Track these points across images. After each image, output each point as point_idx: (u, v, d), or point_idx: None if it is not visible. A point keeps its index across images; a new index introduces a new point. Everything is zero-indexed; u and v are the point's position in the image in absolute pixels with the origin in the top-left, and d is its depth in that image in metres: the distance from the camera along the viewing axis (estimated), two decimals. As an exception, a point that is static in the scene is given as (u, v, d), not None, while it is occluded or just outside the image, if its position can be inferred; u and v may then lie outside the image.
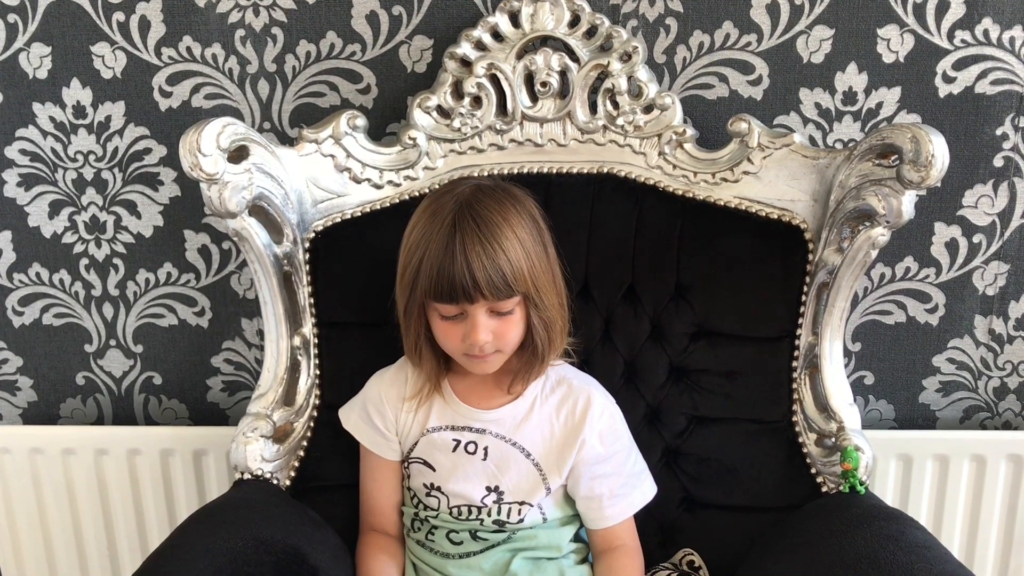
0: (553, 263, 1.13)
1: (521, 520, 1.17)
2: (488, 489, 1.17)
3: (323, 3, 1.37)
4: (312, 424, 1.32)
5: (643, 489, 1.20)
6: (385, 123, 1.42)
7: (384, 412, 1.21)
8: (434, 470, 1.18)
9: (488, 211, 1.07)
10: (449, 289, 1.05)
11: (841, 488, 1.23)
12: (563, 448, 1.17)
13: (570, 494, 1.19)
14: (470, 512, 1.17)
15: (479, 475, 1.17)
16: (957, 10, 1.33)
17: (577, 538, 1.22)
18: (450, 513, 1.18)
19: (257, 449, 1.27)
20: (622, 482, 1.18)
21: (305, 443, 1.31)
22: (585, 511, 1.19)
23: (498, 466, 1.17)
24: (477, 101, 1.31)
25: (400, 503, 1.24)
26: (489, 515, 1.17)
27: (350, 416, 1.24)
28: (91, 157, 1.47)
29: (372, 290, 1.30)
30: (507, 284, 1.06)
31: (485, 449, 1.17)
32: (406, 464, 1.21)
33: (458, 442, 1.18)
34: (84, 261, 1.53)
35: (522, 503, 1.17)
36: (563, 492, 1.19)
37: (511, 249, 1.06)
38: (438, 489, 1.18)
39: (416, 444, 1.20)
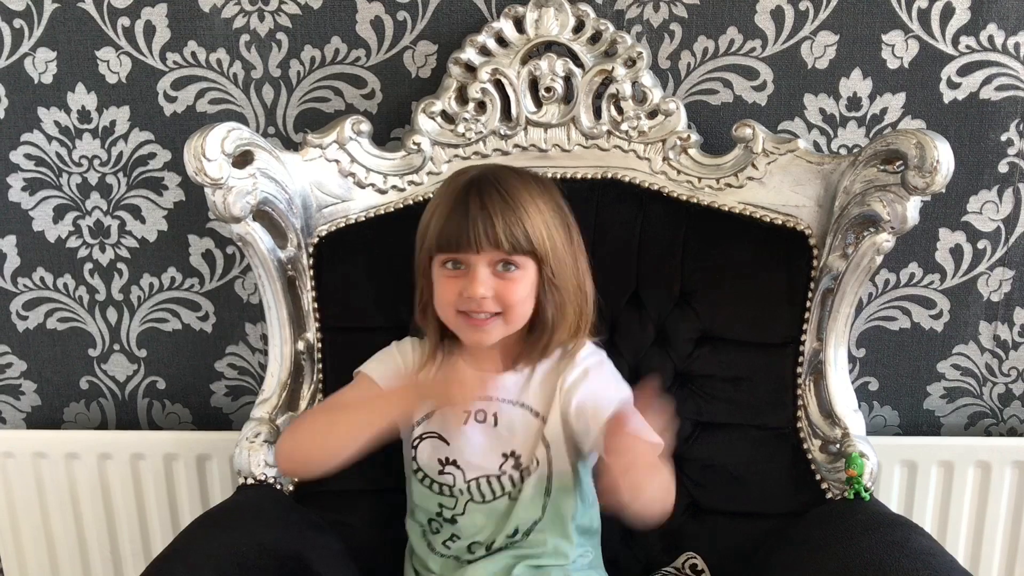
0: (577, 250, 1.12)
1: (531, 473, 1.14)
2: (504, 456, 1.15)
3: (328, 8, 1.37)
4: (316, 429, 1.32)
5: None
6: (389, 128, 1.42)
7: (408, 363, 1.19)
8: (448, 444, 1.16)
9: (509, 177, 1.08)
10: (455, 235, 1.04)
11: (846, 494, 1.22)
12: (553, 385, 1.14)
13: (571, 436, 1.15)
14: (490, 483, 1.15)
15: (493, 443, 1.15)
16: (962, 16, 1.33)
17: (582, 532, 1.20)
18: (468, 489, 1.16)
19: (261, 454, 1.27)
20: (611, 395, 1.13)
21: (309, 448, 1.31)
22: (583, 430, 1.13)
23: (509, 430, 1.15)
24: (481, 106, 1.31)
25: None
26: (513, 484, 1.15)
27: (373, 368, 1.19)
28: (96, 162, 1.48)
29: (376, 295, 1.30)
30: (514, 236, 1.04)
31: (495, 415, 1.15)
32: (416, 442, 1.18)
33: (468, 413, 1.16)
34: (88, 265, 1.53)
35: (539, 463, 1.15)
36: (564, 439, 1.15)
37: (527, 208, 1.05)
38: (453, 463, 1.16)
39: (429, 416, 1.17)
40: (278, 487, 1.29)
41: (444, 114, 1.31)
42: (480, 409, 1.16)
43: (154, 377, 1.59)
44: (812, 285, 1.26)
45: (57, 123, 1.46)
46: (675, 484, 1.05)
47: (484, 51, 1.31)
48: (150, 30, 1.40)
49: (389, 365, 1.19)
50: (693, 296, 1.28)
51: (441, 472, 1.17)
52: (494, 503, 1.16)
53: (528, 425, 1.16)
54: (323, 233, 1.31)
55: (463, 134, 1.31)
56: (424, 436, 1.18)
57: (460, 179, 1.10)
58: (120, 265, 1.53)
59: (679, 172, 1.30)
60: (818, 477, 1.26)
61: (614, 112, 1.30)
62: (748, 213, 1.28)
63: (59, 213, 1.51)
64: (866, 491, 1.21)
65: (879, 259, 1.19)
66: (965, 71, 1.36)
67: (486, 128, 1.31)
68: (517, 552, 1.16)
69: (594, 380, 1.15)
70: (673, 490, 1.05)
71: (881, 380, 1.51)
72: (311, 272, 1.31)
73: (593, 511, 1.22)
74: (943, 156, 1.09)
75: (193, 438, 1.55)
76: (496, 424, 1.16)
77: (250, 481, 1.28)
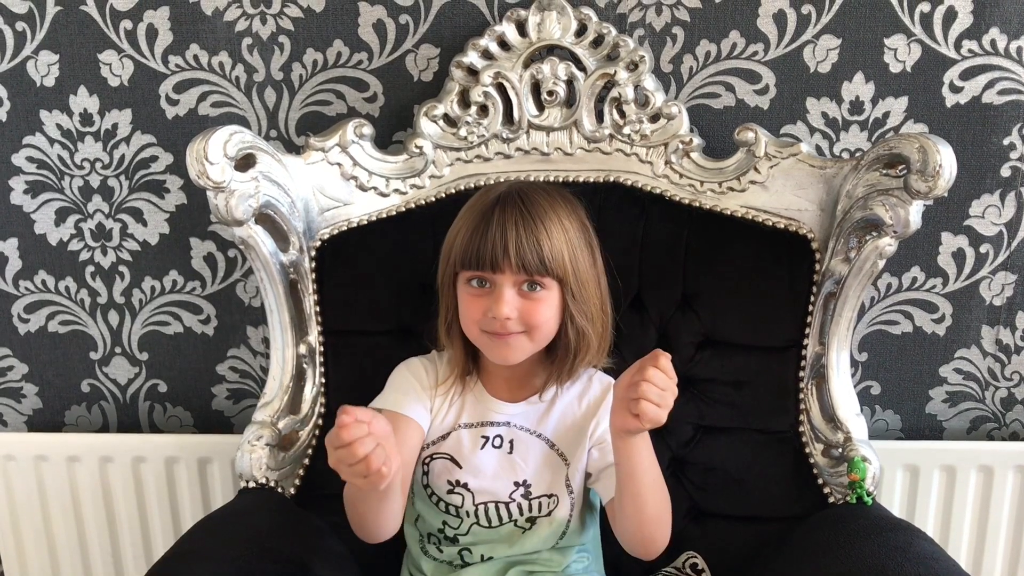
0: (600, 271, 1.12)
1: (550, 513, 1.15)
2: (516, 484, 1.15)
3: (330, 12, 1.37)
4: (317, 432, 1.32)
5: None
6: (391, 132, 1.42)
7: (424, 384, 1.18)
8: (460, 467, 1.16)
9: (536, 195, 1.07)
10: (478, 255, 1.04)
11: (848, 499, 1.22)
12: (580, 430, 1.15)
13: (589, 471, 1.16)
14: (497, 510, 1.15)
15: (506, 470, 1.15)
16: (964, 20, 1.33)
17: (581, 547, 1.21)
18: (475, 512, 1.16)
19: (262, 457, 1.27)
20: None
21: (310, 451, 1.31)
22: (600, 484, 1.14)
23: (524, 458, 1.15)
24: (483, 110, 1.31)
25: (411, 466, 1.15)
26: (521, 512, 1.15)
27: (388, 398, 1.18)
28: (98, 165, 1.48)
29: (378, 298, 1.30)
30: (540, 259, 1.03)
31: (511, 442, 1.15)
32: (427, 459, 1.18)
33: (486, 439, 1.16)
34: (90, 268, 1.53)
35: (550, 495, 1.15)
36: (584, 484, 1.17)
37: (553, 230, 1.05)
38: (464, 486, 1.16)
39: (445, 438, 1.17)
40: (279, 490, 1.29)
41: (446, 117, 1.31)
42: (497, 435, 1.16)
43: (155, 380, 1.59)
44: (814, 289, 1.25)
45: (59, 126, 1.46)
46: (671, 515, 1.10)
47: (486, 54, 1.31)
48: (152, 33, 1.40)
49: (410, 394, 1.17)
50: (695, 300, 1.28)
51: (450, 492, 1.16)
52: (499, 528, 1.16)
53: (544, 457, 1.16)
54: (325, 236, 1.31)
55: (465, 137, 1.31)
56: (436, 456, 1.18)
57: (488, 196, 1.09)
58: (122, 268, 1.53)
59: (681, 176, 1.30)
60: (820, 481, 1.26)
61: (616, 116, 1.30)
62: (750, 217, 1.27)
63: (61, 216, 1.51)
64: (868, 495, 1.21)
65: (881, 263, 1.19)
66: (967, 75, 1.36)
67: (488, 132, 1.31)
68: (510, 560, 1.17)
69: None
70: (670, 518, 1.09)
71: (883, 384, 1.51)
72: (313, 275, 1.31)
73: (594, 526, 1.23)
74: (945, 160, 1.09)
75: (194, 441, 1.55)
76: (511, 451, 1.16)
77: (251, 484, 1.27)
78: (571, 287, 1.07)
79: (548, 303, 1.07)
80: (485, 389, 1.18)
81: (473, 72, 1.31)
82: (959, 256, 1.44)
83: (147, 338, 1.56)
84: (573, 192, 1.16)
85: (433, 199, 1.32)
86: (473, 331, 1.10)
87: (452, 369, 1.17)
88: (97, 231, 1.51)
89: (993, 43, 1.34)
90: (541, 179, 1.31)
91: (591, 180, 1.32)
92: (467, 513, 1.16)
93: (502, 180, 1.19)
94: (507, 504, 1.15)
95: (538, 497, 1.15)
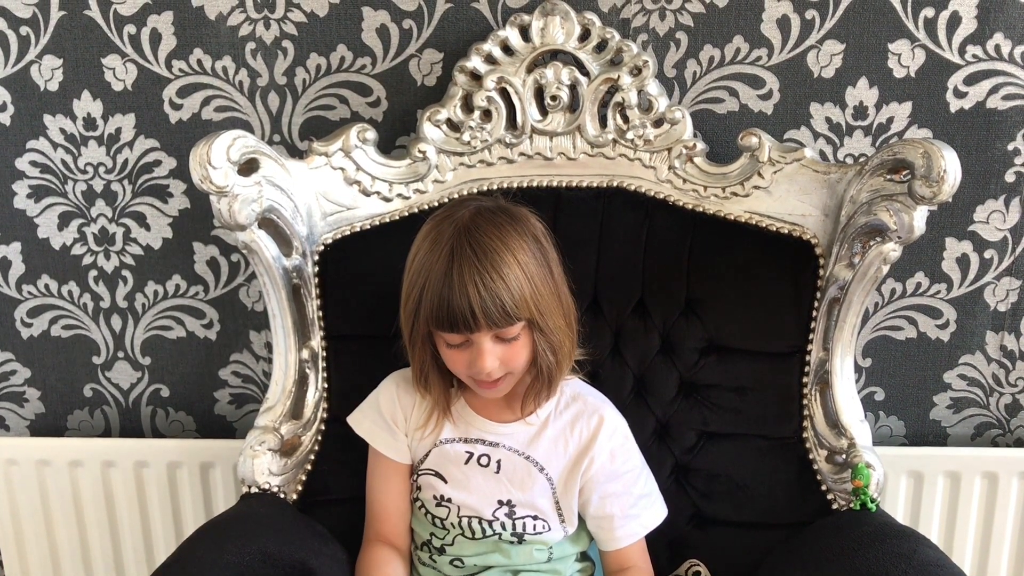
0: (559, 283, 1.11)
1: (540, 534, 1.16)
2: (500, 503, 1.16)
3: (334, 16, 1.37)
4: (320, 438, 1.32)
5: (654, 511, 1.19)
6: (395, 136, 1.42)
7: (396, 414, 1.19)
8: (446, 482, 1.17)
9: (487, 237, 1.05)
10: (450, 319, 1.03)
11: (852, 505, 1.22)
12: (574, 464, 1.15)
13: (580, 513, 1.18)
14: (480, 524, 1.16)
15: (491, 488, 1.16)
16: (968, 25, 1.33)
17: (583, 556, 1.21)
18: (459, 523, 1.16)
19: (264, 463, 1.27)
20: (632, 502, 1.17)
21: (313, 457, 1.31)
22: (596, 531, 1.18)
23: (511, 480, 1.16)
24: (487, 115, 1.31)
25: (407, 512, 1.22)
26: (504, 528, 1.16)
27: (362, 421, 1.22)
28: (101, 169, 1.48)
29: (381, 303, 1.29)
30: (506, 313, 1.03)
31: (498, 462, 1.16)
32: (415, 476, 1.20)
33: (471, 454, 1.16)
34: (93, 273, 1.53)
35: (536, 517, 1.16)
36: (575, 511, 1.18)
37: (510, 276, 1.04)
38: (448, 500, 1.17)
39: (428, 455, 1.18)
40: (282, 496, 1.28)
41: (449, 122, 1.31)
42: (484, 454, 1.16)
43: (158, 385, 1.59)
44: (818, 294, 1.25)
45: (63, 130, 1.46)
46: None
47: (490, 59, 1.31)
48: (156, 38, 1.40)
49: (383, 429, 1.20)
50: (699, 305, 1.28)
51: (437, 505, 1.18)
52: (484, 540, 1.17)
53: (532, 479, 1.16)
54: (328, 241, 1.31)
55: (468, 142, 1.31)
56: (422, 473, 1.19)
57: (438, 245, 1.06)
58: (125, 272, 1.53)
59: (685, 181, 1.30)
60: (824, 487, 1.25)
61: (620, 121, 1.30)
62: (754, 222, 1.27)
63: (64, 220, 1.51)
64: (872, 502, 1.20)
65: (885, 268, 1.18)
66: (972, 80, 1.36)
67: (491, 136, 1.31)
68: (509, 568, 1.17)
69: (622, 471, 1.17)
70: None
71: (887, 390, 1.51)
72: (316, 280, 1.31)
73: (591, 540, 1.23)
74: (950, 165, 1.09)
75: (197, 446, 1.54)
76: (498, 471, 1.16)
77: (254, 490, 1.27)
78: (538, 323, 1.07)
79: (523, 343, 1.09)
80: (468, 405, 1.18)
81: (476, 77, 1.31)
82: (963, 262, 1.44)
83: (150, 343, 1.56)
84: (517, 200, 1.14)
85: (436, 204, 1.31)
86: (462, 375, 1.12)
87: (432, 408, 1.18)
88: (100, 235, 1.51)
89: (997, 48, 1.34)
90: (545, 185, 1.31)
91: (594, 185, 1.31)
92: (452, 525, 1.17)
93: (456, 201, 1.16)
94: (491, 522, 1.16)
95: (523, 517, 1.16)
